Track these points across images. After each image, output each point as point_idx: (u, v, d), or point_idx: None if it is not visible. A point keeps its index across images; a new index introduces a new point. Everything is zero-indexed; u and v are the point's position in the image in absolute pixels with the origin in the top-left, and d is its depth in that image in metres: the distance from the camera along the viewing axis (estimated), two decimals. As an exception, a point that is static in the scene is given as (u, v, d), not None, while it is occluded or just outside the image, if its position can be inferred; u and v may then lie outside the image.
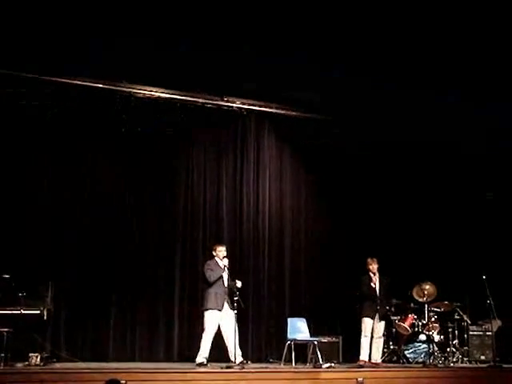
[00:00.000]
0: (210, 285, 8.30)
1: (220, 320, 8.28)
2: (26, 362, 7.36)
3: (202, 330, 8.35)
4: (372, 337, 9.09)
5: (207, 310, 8.26)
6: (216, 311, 8.23)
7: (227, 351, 8.27)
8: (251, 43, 8.70)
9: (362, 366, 8.60)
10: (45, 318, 8.13)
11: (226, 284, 8.34)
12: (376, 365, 8.90)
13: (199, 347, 8.25)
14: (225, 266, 8.38)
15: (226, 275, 8.37)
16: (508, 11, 8.03)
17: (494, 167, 11.11)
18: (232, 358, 8.13)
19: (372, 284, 9.17)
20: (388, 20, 8.34)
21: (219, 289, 8.29)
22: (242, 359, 8.15)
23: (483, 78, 9.37)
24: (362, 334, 9.05)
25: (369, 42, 8.77)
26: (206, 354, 8.18)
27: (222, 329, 8.31)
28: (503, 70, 9.22)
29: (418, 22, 8.34)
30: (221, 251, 8.52)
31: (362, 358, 9.00)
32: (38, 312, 8.07)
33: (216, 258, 8.51)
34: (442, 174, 11.17)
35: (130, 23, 8.27)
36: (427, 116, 10.58)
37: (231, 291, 8.29)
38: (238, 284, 8.38)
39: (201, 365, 8.02)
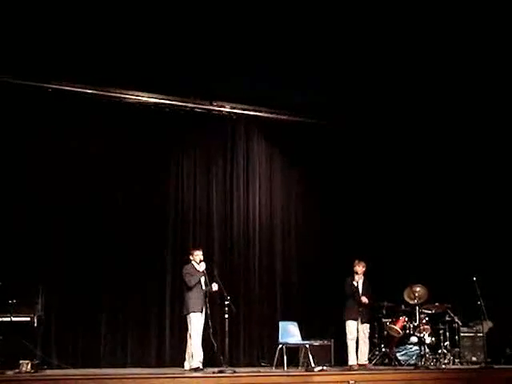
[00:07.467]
0: (190, 289, 8.33)
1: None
2: (17, 370, 7.29)
3: (188, 334, 8.33)
4: (357, 339, 8.98)
5: (192, 312, 8.25)
6: (199, 313, 8.26)
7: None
8: (245, 45, 8.77)
9: (353, 369, 8.60)
10: (35, 324, 8.11)
11: (203, 287, 8.38)
12: (364, 366, 8.88)
13: (187, 352, 8.27)
14: (203, 270, 8.41)
15: (202, 279, 8.42)
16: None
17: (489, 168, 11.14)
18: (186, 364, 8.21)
19: (354, 283, 9.07)
20: (383, 21, 8.46)
21: (199, 292, 8.34)
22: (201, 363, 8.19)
23: (483, 77, 9.52)
24: (348, 337, 8.94)
25: (361, 42, 8.84)
26: (201, 358, 8.18)
27: None
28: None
29: (417, 22, 8.46)
30: (197, 255, 8.54)
31: (350, 362, 8.90)
32: (29, 319, 8.05)
33: (193, 262, 8.53)
34: (433, 175, 11.20)
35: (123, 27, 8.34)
36: (418, 119, 10.67)
37: (207, 295, 8.34)
38: (214, 287, 8.41)
39: (197, 369, 8.01)
